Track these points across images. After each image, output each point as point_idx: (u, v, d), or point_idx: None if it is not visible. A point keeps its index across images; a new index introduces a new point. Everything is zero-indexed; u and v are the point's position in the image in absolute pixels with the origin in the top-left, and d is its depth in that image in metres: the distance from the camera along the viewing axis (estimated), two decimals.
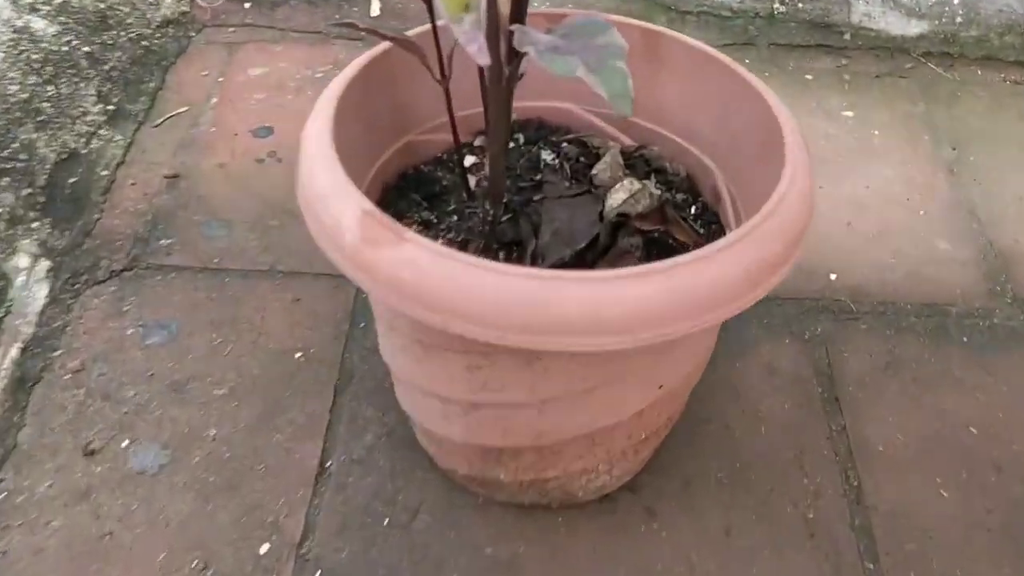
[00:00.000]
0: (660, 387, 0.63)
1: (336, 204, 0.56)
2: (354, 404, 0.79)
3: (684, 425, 0.77)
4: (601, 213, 0.65)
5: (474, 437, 0.66)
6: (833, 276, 0.91)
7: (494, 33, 0.53)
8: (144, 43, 1.13)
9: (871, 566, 0.69)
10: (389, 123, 0.71)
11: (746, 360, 0.83)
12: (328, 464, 0.75)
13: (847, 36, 1.20)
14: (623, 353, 0.58)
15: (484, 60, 0.40)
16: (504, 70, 0.56)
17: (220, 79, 1.13)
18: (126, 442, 0.76)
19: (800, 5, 1.20)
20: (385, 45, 0.68)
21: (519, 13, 0.53)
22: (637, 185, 0.66)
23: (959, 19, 1.19)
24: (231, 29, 1.21)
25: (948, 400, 0.81)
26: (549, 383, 0.60)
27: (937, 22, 1.19)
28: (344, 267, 0.57)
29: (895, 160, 1.04)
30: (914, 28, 1.20)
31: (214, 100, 1.09)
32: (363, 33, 0.59)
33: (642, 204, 0.65)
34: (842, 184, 1.01)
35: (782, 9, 1.19)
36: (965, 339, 0.86)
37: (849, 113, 1.11)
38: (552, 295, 0.51)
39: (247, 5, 1.23)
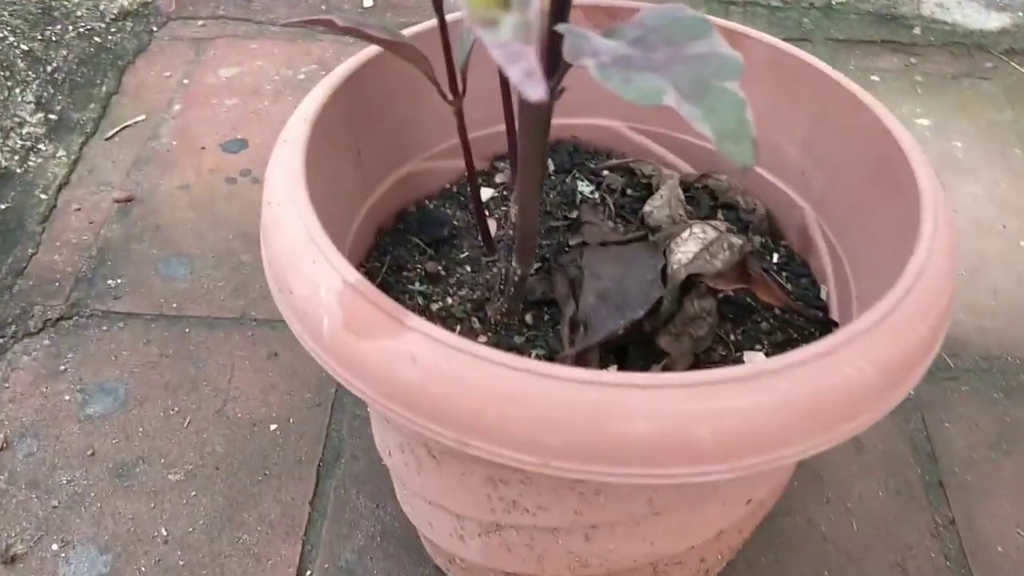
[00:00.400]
0: (748, 502, 0.47)
1: (310, 271, 0.41)
2: (341, 492, 0.64)
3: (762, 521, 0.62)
4: (664, 270, 0.49)
5: (497, 562, 0.50)
6: None
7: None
8: (96, 39, 0.97)
9: None
10: (384, 149, 0.55)
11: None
12: (308, 574, 0.59)
13: (916, 30, 1.04)
14: None
15: (538, 93, 0.24)
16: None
17: (185, 81, 0.96)
18: (56, 545, 0.60)
19: None
20: (376, 48, 0.52)
21: (560, 13, 0.37)
22: (712, 233, 0.50)
23: None
24: (200, 23, 1.04)
25: None
26: (602, 505, 0.44)
27: (1022, 14, 1.03)
28: (321, 359, 0.41)
29: (984, 178, 0.89)
30: (994, 21, 1.04)
31: (177, 107, 0.93)
32: (344, 33, 0.43)
33: (720, 259, 0.49)
34: None
35: (842, 0, 1.03)
36: None
37: (925, 121, 0.95)
38: (618, 408, 0.36)
39: None
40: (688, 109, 0.30)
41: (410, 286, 0.54)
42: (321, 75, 0.96)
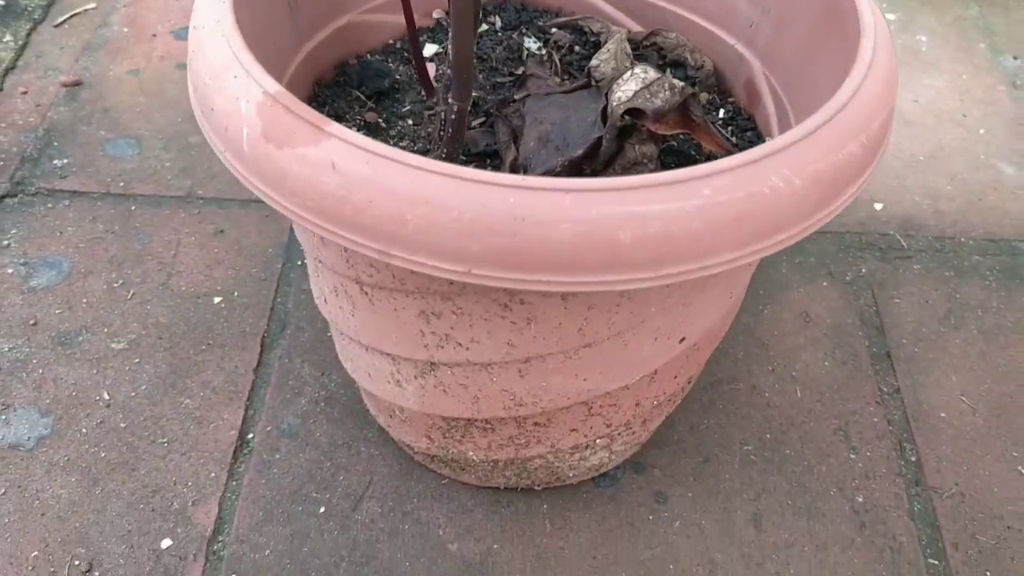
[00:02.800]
0: (681, 340, 0.47)
1: (231, 86, 0.40)
2: (286, 361, 0.63)
3: (701, 385, 0.62)
4: (604, 111, 0.49)
5: (434, 406, 0.50)
6: (878, 206, 0.75)
7: None
8: None
9: (936, 563, 0.55)
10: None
11: (775, 306, 0.67)
12: (250, 436, 0.59)
13: None
14: (636, 295, 0.42)
15: None
16: None
17: None
18: None
19: None
20: None
21: None
22: (653, 74, 0.49)
23: None
24: None
25: (1022, 356, 0.65)
26: (534, 335, 0.43)
27: None
28: (244, 176, 0.40)
29: (947, 71, 0.88)
30: None
31: None
32: None
33: (660, 98, 0.48)
34: None
35: None
36: None
37: (891, 16, 0.94)
38: (541, 212, 0.35)
39: None
40: None
41: None
42: None
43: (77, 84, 0.81)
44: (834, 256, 0.71)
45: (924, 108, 0.84)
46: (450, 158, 0.50)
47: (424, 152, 0.52)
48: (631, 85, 0.49)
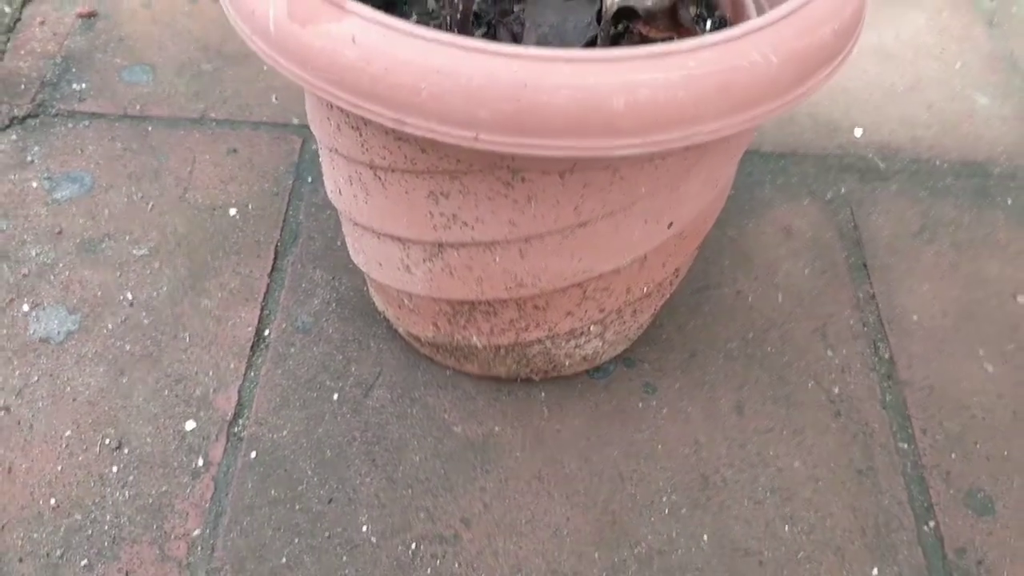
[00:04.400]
0: (669, 225, 0.51)
1: None
2: (298, 267, 0.67)
3: (688, 291, 0.66)
4: (599, 13, 0.52)
5: (441, 289, 0.54)
6: (858, 132, 0.79)
7: None
8: None
9: (905, 446, 0.59)
10: None
11: (759, 221, 0.71)
12: (266, 333, 0.63)
13: None
14: (626, 172, 0.46)
15: None
16: None
17: None
18: (26, 307, 0.63)
19: None
20: None
21: None
22: None
23: None
24: None
25: (991, 266, 0.70)
26: (533, 213, 0.47)
27: None
28: (270, 55, 0.44)
29: (927, 8, 0.92)
30: None
31: None
32: None
33: (650, 1, 0.52)
34: (867, 33, 0.88)
35: None
36: (1010, 201, 0.74)
37: None
38: (542, 79, 0.39)
39: None
40: None
41: None
42: None
43: (92, 15, 0.84)
44: (815, 177, 0.75)
45: (904, 43, 0.87)
46: None
47: None
48: None
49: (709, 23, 0.60)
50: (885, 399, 0.61)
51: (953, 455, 0.59)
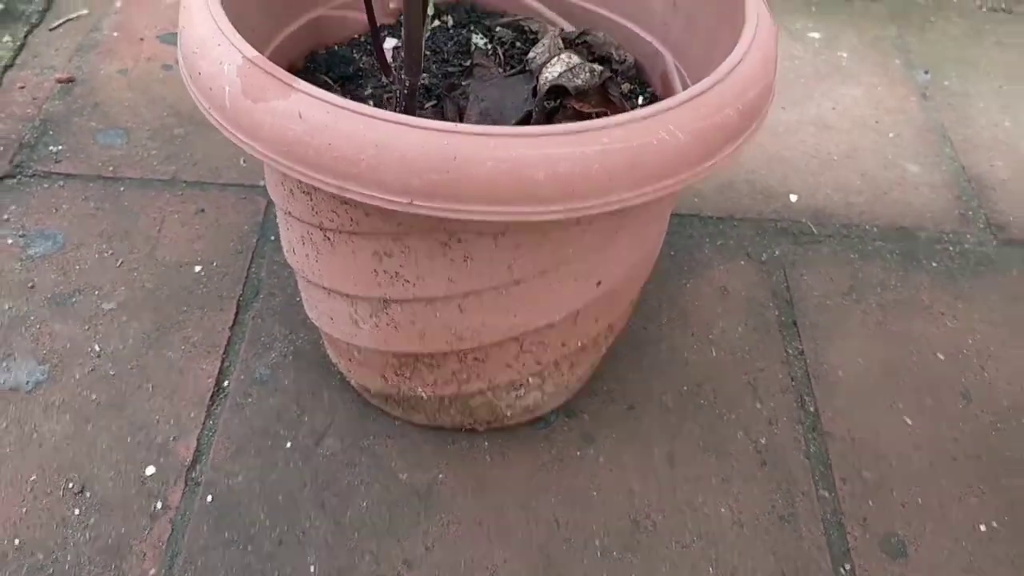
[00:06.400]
0: (598, 284, 0.55)
1: (215, 52, 0.48)
2: (258, 321, 0.71)
3: (628, 346, 0.70)
4: (535, 90, 0.57)
5: (387, 342, 0.57)
6: (794, 197, 0.84)
7: None
8: None
9: (826, 494, 0.63)
10: None
11: (697, 281, 0.76)
12: (225, 384, 0.66)
13: None
14: (555, 235, 0.50)
15: None
16: None
17: None
18: None
19: None
20: None
21: None
22: (576, 59, 0.58)
23: None
24: None
25: (914, 326, 0.74)
26: (470, 271, 0.51)
27: None
28: (225, 127, 0.48)
29: (864, 82, 0.97)
30: None
31: (119, 3, 0.99)
32: None
33: (581, 79, 0.57)
34: (806, 106, 0.94)
35: None
36: (934, 264, 0.79)
37: (816, 35, 1.04)
38: (470, 152, 0.43)
39: None
40: None
41: None
42: None
43: (70, 81, 0.89)
44: (752, 240, 0.79)
45: (841, 115, 0.93)
46: None
47: None
48: (557, 67, 0.57)
49: (641, 98, 0.64)
50: (809, 449, 0.65)
51: (871, 502, 0.62)
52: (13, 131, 0.83)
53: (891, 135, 0.91)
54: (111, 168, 0.81)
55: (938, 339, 0.73)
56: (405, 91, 0.56)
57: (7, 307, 0.70)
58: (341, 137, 0.44)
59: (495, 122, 0.57)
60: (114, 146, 0.83)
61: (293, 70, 0.64)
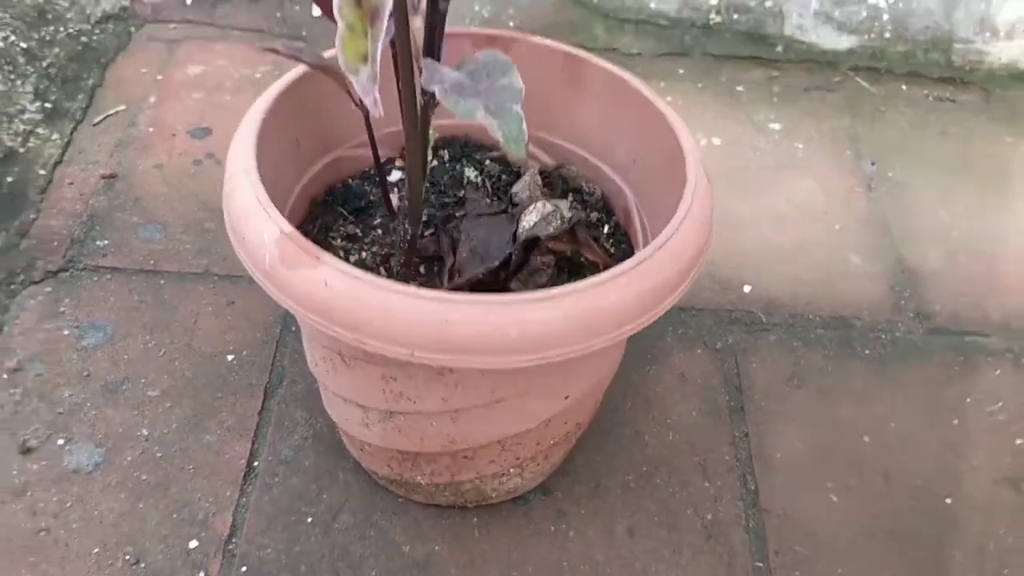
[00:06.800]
0: (566, 398, 0.67)
1: (257, 224, 0.59)
2: (283, 407, 0.82)
3: (598, 430, 0.82)
4: (515, 233, 0.69)
5: (392, 442, 0.69)
6: (747, 288, 0.95)
7: (408, 64, 0.56)
8: (83, 39, 1.14)
9: (760, 565, 0.74)
10: (317, 139, 0.74)
11: (659, 368, 0.87)
12: (255, 464, 0.78)
13: (779, 48, 1.25)
14: (528, 369, 0.62)
15: (378, 112, 0.43)
16: (419, 99, 0.59)
17: (159, 77, 1.14)
18: (62, 441, 0.78)
19: (735, 16, 1.24)
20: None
21: (431, 46, 0.56)
22: (549, 207, 0.69)
23: (887, 34, 1.24)
24: (172, 26, 1.22)
25: (845, 410, 0.86)
26: (460, 395, 0.63)
27: (866, 37, 1.24)
28: (264, 285, 0.60)
29: (817, 174, 1.09)
30: (844, 42, 1.25)
31: (153, 99, 1.11)
32: (286, 57, 0.61)
33: (553, 226, 0.68)
34: (764, 197, 1.06)
35: (718, 19, 1.24)
36: (867, 352, 0.91)
37: (776, 126, 1.15)
38: (458, 317, 0.55)
39: (188, 2, 1.25)
40: (490, 122, 0.49)
41: (334, 243, 0.72)
42: (276, 74, 1.14)
43: (113, 176, 1.01)
44: (709, 329, 0.91)
45: (795, 207, 1.05)
46: (407, 265, 0.70)
47: (388, 256, 0.72)
48: (533, 217, 0.69)
49: (607, 227, 0.76)
50: (748, 524, 0.77)
51: (798, 573, 0.74)
52: (64, 227, 0.95)
53: (837, 227, 1.03)
54: (151, 262, 0.93)
55: (865, 423, 0.85)
56: (407, 238, 0.67)
57: (68, 395, 0.82)
58: (358, 302, 0.56)
59: (482, 259, 0.68)
60: (153, 240, 0.95)
61: (315, 202, 0.75)
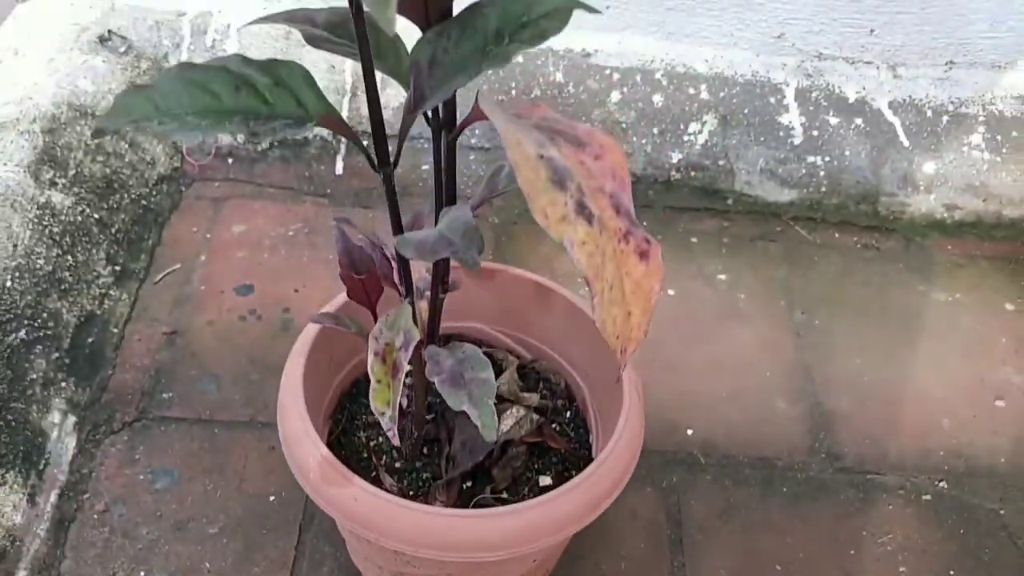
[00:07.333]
0: (534, 561, 0.89)
1: (303, 448, 0.82)
2: (314, 542, 1.04)
3: (564, 561, 1.04)
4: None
5: None
6: (690, 431, 1.17)
7: (419, 363, 0.79)
8: (143, 202, 1.36)
9: None
10: (344, 352, 0.96)
11: (615, 506, 1.09)
12: None
13: (730, 201, 1.47)
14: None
15: (397, 443, 0.66)
16: (424, 366, 0.81)
17: (208, 236, 1.36)
18: (143, 573, 1.00)
19: (692, 174, 1.46)
20: (343, 298, 0.93)
21: (432, 335, 0.79)
22: (522, 412, 0.91)
23: (824, 188, 1.46)
24: (216, 184, 1.44)
25: (764, 542, 1.07)
26: (452, 567, 0.85)
27: (805, 190, 1.46)
28: (309, 492, 0.82)
29: (754, 323, 1.31)
30: (786, 195, 1.46)
31: (203, 257, 1.33)
32: (332, 323, 0.83)
33: (525, 429, 0.91)
34: (707, 346, 1.27)
35: (677, 176, 1.45)
36: (785, 489, 1.12)
37: (723, 277, 1.37)
38: (451, 526, 0.77)
39: (230, 161, 1.47)
40: (471, 410, 0.71)
41: (358, 431, 0.95)
42: (304, 232, 1.37)
43: (173, 333, 1.23)
44: (657, 468, 1.13)
45: (732, 355, 1.26)
46: (415, 448, 0.92)
47: (402, 436, 0.94)
48: (509, 421, 0.91)
49: (569, 412, 0.98)
50: None
51: None
52: (136, 380, 1.18)
53: (768, 374, 1.25)
54: (207, 412, 1.15)
55: (779, 554, 1.06)
56: (413, 437, 0.90)
57: (145, 532, 1.04)
58: (380, 514, 0.78)
59: (471, 452, 0.90)
60: (208, 392, 1.17)
61: (344, 394, 0.98)
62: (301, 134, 1.11)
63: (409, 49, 0.66)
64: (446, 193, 0.72)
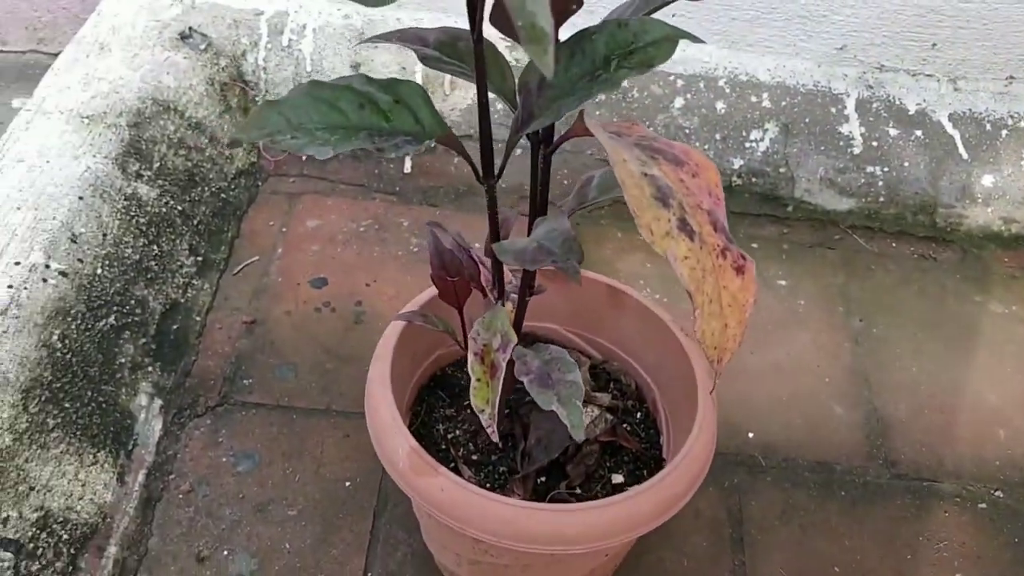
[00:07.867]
0: (606, 556, 0.93)
1: (393, 439, 0.86)
2: (388, 526, 1.09)
3: (629, 556, 1.07)
4: None
5: None
6: (751, 434, 1.20)
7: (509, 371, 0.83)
8: (223, 196, 1.42)
9: None
10: (425, 348, 1.01)
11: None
12: (368, 575, 1.05)
13: (790, 208, 1.49)
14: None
15: (496, 439, 0.70)
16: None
17: (284, 229, 1.41)
18: (226, 552, 1.06)
19: (753, 180, 1.48)
20: (432, 292, 0.97)
21: (518, 327, 0.83)
22: (596, 412, 0.95)
23: (882, 198, 1.48)
24: (291, 179, 1.49)
25: (822, 544, 1.11)
26: (529, 558, 0.89)
27: (864, 200, 1.48)
28: (397, 480, 0.86)
29: (813, 329, 1.34)
30: (845, 204, 1.49)
31: (279, 250, 1.38)
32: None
33: (599, 428, 0.94)
34: (768, 351, 1.30)
35: (739, 182, 1.48)
36: (843, 493, 1.15)
37: (783, 283, 1.40)
38: (532, 519, 0.81)
39: (303, 158, 1.52)
40: (559, 410, 0.75)
41: (437, 424, 0.99)
42: (375, 228, 1.41)
43: (253, 322, 1.28)
44: (720, 471, 1.16)
45: (792, 359, 1.29)
46: (489, 444, 0.96)
47: (476, 433, 0.98)
48: (584, 420, 0.95)
49: (639, 413, 1.02)
50: None
51: None
52: (218, 367, 1.23)
53: (826, 379, 1.27)
54: (286, 399, 1.20)
55: (837, 555, 1.10)
56: (487, 443, 0.94)
57: (228, 513, 1.09)
58: (463, 503, 0.82)
59: (546, 449, 0.94)
60: (287, 379, 1.22)
61: (421, 387, 1.02)
62: (418, 150, 1.16)
63: (512, 69, 0.70)
64: (540, 202, 0.76)
